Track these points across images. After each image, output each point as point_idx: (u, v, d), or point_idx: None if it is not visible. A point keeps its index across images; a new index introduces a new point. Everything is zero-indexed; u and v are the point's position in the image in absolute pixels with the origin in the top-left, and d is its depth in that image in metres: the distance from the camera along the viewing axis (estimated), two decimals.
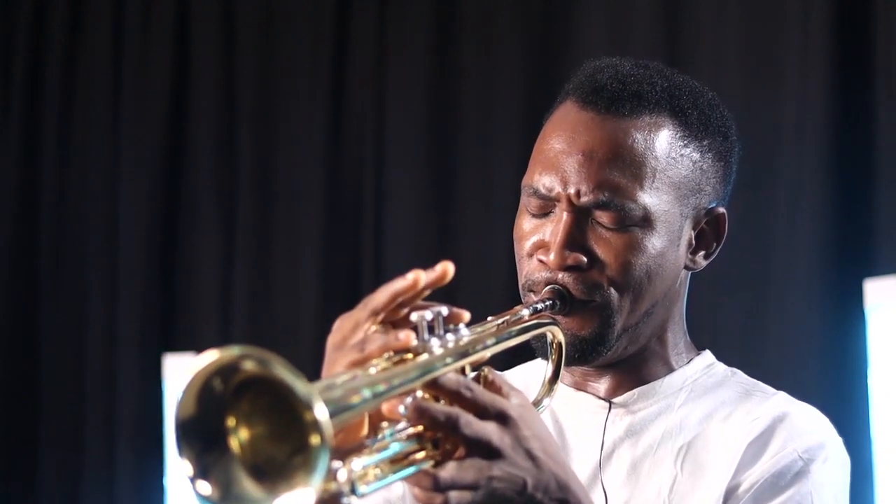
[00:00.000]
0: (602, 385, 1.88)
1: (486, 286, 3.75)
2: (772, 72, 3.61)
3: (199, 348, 3.87)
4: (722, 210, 1.89)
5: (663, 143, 1.81)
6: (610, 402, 1.87)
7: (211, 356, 1.33)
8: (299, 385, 1.29)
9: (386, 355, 1.50)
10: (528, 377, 1.88)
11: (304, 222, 4.17)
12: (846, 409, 3.36)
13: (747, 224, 3.60)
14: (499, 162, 3.94)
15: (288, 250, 4.18)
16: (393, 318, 1.56)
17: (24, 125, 4.43)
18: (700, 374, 1.89)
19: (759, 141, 3.61)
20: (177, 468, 1.35)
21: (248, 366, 1.32)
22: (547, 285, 1.79)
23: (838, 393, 3.39)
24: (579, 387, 1.89)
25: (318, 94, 4.19)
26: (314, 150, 4.18)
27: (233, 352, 1.33)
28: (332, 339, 1.55)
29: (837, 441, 1.84)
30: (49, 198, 4.39)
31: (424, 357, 1.50)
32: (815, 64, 3.55)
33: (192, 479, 1.34)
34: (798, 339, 3.50)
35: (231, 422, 1.35)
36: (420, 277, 1.54)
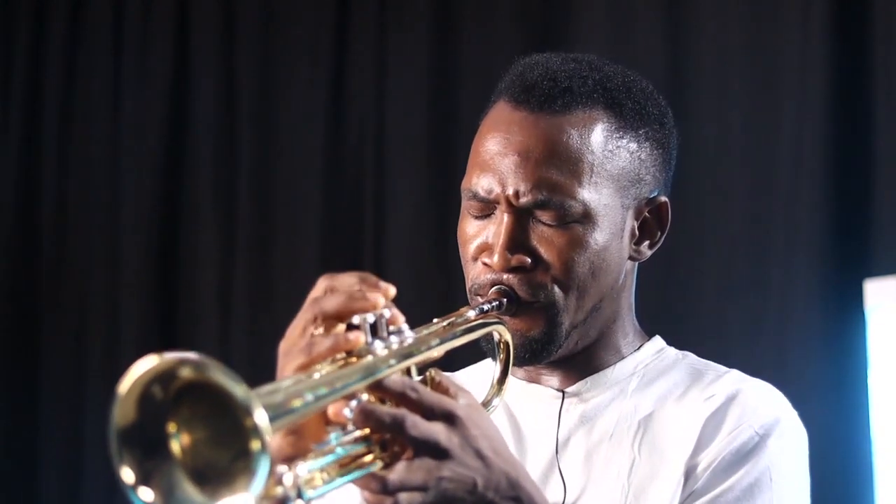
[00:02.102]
0: (554, 377, 1.89)
1: None
2: (772, 74, 3.62)
3: (198, 348, 3.86)
4: (664, 199, 1.88)
5: (599, 136, 1.81)
6: (563, 392, 1.87)
7: (150, 362, 1.32)
8: (238, 390, 1.28)
9: (332, 358, 1.50)
10: (477, 378, 1.88)
11: (304, 222, 4.16)
12: (846, 409, 3.36)
13: (748, 225, 3.61)
14: None
15: (288, 250, 4.18)
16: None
17: (25, 125, 4.43)
18: (651, 359, 1.89)
19: (760, 142, 3.62)
20: (118, 477, 1.34)
21: (188, 371, 1.32)
22: (492, 287, 1.80)
23: (838, 393, 3.39)
24: (532, 379, 1.90)
25: (318, 93, 4.19)
26: (314, 150, 4.18)
27: (171, 357, 1.32)
28: (282, 346, 1.55)
29: (793, 415, 1.84)
30: (49, 198, 4.39)
31: (368, 359, 1.49)
32: (815, 66, 3.55)
33: (134, 487, 1.33)
34: (798, 339, 3.50)
35: (172, 427, 1.35)
36: (379, 303, 1.53)
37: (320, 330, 1.53)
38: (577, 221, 1.79)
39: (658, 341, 1.92)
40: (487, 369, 1.85)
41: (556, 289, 1.79)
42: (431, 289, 3.72)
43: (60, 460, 4.30)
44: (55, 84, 4.41)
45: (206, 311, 4.23)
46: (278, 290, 4.16)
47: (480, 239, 1.83)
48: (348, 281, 1.55)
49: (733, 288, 3.59)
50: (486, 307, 1.77)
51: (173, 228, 4.31)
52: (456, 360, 1.67)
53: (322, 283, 1.57)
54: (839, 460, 3.31)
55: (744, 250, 3.60)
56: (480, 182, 1.82)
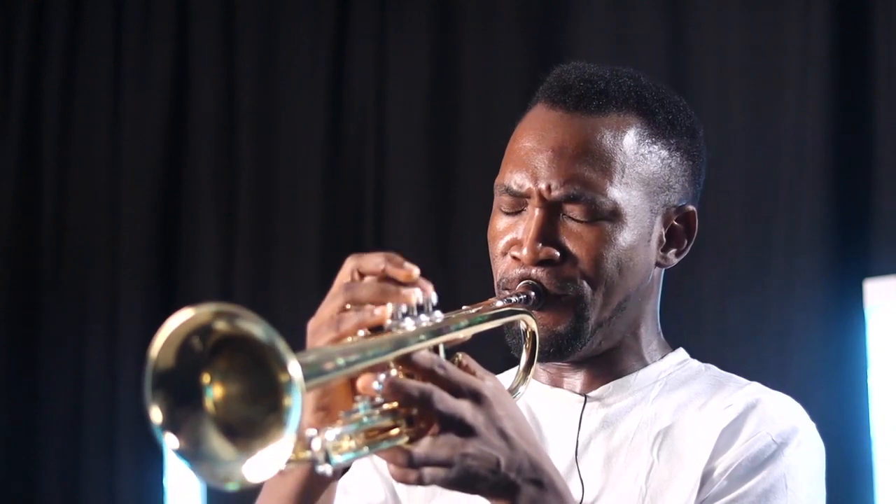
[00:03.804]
0: (577, 380, 1.91)
1: (487, 286, 3.74)
2: (772, 74, 3.62)
3: None
4: (692, 208, 1.92)
5: (631, 139, 1.85)
6: (585, 396, 1.89)
7: (190, 312, 1.34)
8: (277, 344, 1.32)
9: (362, 333, 1.53)
10: (505, 381, 1.89)
11: (304, 222, 4.17)
12: (846, 409, 3.36)
13: (748, 225, 3.61)
14: (499, 161, 3.93)
15: (288, 250, 4.18)
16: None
17: (25, 125, 4.43)
18: (674, 369, 1.92)
19: (760, 142, 3.62)
20: (148, 415, 1.36)
21: (229, 324, 1.34)
22: (521, 281, 1.83)
23: (838, 393, 3.39)
24: (555, 383, 1.92)
25: (318, 92, 4.19)
26: (314, 149, 4.18)
27: (212, 308, 1.34)
28: (311, 325, 1.57)
29: (811, 426, 1.86)
30: (50, 198, 4.40)
31: (398, 332, 1.53)
32: (816, 66, 3.55)
33: (161, 429, 1.36)
34: (798, 339, 3.50)
35: (206, 379, 1.37)
36: (412, 298, 1.56)
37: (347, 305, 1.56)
38: (606, 219, 1.82)
39: (682, 353, 1.95)
40: (511, 378, 1.86)
41: (585, 283, 1.82)
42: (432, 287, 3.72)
43: (61, 459, 4.30)
44: (55, 84, 4.41)
45: None
46: (278, 289, 4.16)
47: (511, 235, 1.86)
48: (375, 261, 1.57)
49: (734, 288, 3.59)
50: (513, 299, 1.79)
51: (173, 229, 4.31)
52: (481, 359, 1.69)
53: (350, 265, 1.59)
54: (839, 460, 3.30)
55: (744, 250, 3.60)
56: (514, 177, 1.85)
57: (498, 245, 1.87)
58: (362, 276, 1.58)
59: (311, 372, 1.38)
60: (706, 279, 3.62)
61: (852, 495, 3.34)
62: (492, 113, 3.98)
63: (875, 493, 3.32)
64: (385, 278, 1.56)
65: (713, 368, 1.94)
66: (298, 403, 1.31)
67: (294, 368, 1.31)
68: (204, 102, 4.30)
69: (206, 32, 4.32)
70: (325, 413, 1.54)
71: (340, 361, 1.44)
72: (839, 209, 3.51)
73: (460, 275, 3.76)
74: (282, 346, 1.32)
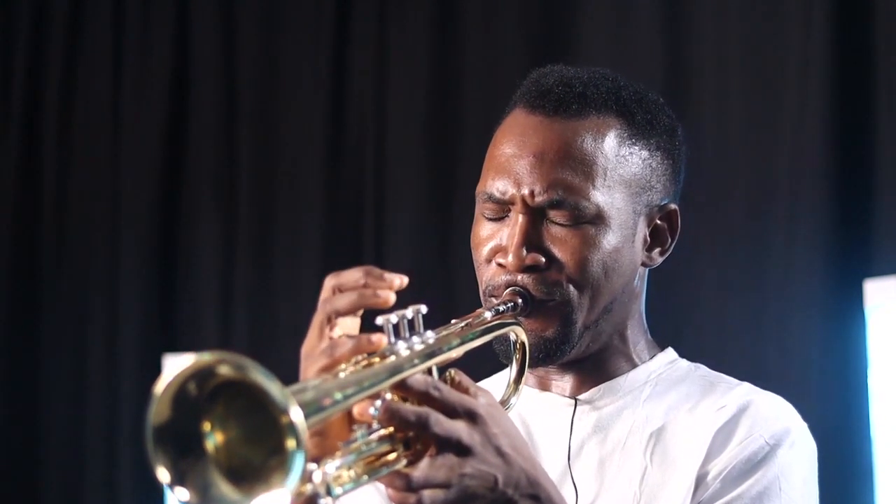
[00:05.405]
0: (566, 383, 1.91)
1: None
2: (772, 73, 3.62)
3: (199, 348, 3.85)
4: (674, 206, 1.92)
5: (611, 141, 1.85)
6: (576, 400, 1.89)
7: (185, 362, 1.35)
8: (274, 389, 1.32)
9: (355, 359, 1.53)
10: (493, 388, 1.89)
11: (304, 222, 4.17)
12: (846, 409, 3.36)
13: (748, 225, 3.61)
14: None
15: (288, 250, 4.18)
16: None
17: (25, 125, 4.43)
18: (664, 369, 1.92)
19: (759, 142, 3.62)
20: (155, 476, 1.38)
21: (223, 370, 1.34)
22: (507, 288, 1.83)
23: (838, 393, 3.39)
24: (544, 387, 1.92)
25: (318, 93, 4.19)
26: (314, 150, 4.18)
27: (207, 357, 1.34)
28: (303, 349, 1.58)
29: (803, 426, 1.86)
30: (49, 198, 4.39)
31: (392, 359, 1.53)
32: (816, 65, 3.55)
33: (171, 486, 1.37)
34: (798, 339, 3.50)
35: (206, 426, 1.38)
36: (390, 299, 1.58)
37: (337, 331, 1.57)
38: (589, 222, 1.82)
39: (670, 353, 1.95)
40: (503, 381, 1.87)
41: (571, 287, 1.82)
42: (433, 288, 3.72)
43: (61, 460, 4.30)
44: (55, 83, 4.41)
45: (206, 311, 4.23)
46: (278, 290, 4.16)
47: (494, 241, 1.87)
48: (354, 276, 1.59)
49: (733, 288, 3.59)
50: (501, 308, 1.80)
51: (173, 228, 4.31)
52: (471, 367, 1.69)
53: (329, 283, 1.60)
54: (839, 460, 3.30)
55: (744, 250, 3.60)
56: (496, 184, 1.86)
57: (482, 252, 1.88)
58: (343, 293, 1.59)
59: (310, 411, 1.39)
60: (706, 279, 3.61)
61: (852, 495, 3.34)
62: (492, 114, 3.92)
63: (875, 493, 3.31)
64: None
65: (702, 368, 1.94)
66: (302, 449, 1.31)
67: (296, 413, 1.31)
68: (204, 102, 4.30)
69: (206, 32, 4.32)
70: (321, 438, 1.55)
71: (338, 396, 1.45)
72: (839, 209, 3.50)
73: (460, 276, 3.76)
74: (280, 389, 1.32)
